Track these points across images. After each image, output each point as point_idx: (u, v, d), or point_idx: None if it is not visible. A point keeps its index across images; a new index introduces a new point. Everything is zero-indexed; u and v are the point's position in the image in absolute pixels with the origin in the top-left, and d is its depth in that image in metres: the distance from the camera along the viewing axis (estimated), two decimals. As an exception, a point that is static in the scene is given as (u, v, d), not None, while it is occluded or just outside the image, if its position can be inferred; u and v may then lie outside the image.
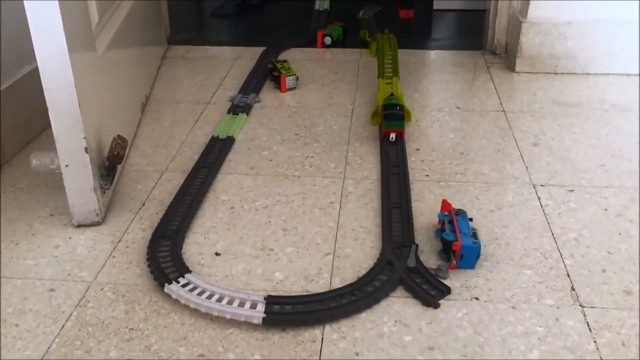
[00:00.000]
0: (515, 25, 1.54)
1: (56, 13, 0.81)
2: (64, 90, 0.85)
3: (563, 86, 1.44)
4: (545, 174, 1.09)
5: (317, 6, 2.12)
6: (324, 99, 1.42)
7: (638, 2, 1.44)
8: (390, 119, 1.18)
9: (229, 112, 1.33)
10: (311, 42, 1.75)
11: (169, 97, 1.43)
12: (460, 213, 0.91)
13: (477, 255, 0.85)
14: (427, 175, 1.09)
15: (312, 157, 1.17)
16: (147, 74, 1.45)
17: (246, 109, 1.35)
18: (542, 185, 1.05)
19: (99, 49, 1.02)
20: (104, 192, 0.97)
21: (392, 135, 1.17)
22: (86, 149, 0.90)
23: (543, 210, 0.98)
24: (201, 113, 1.35)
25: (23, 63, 1.18)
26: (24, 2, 0.81)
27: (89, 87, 0.93)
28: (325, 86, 1.48)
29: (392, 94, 1.31)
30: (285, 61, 1.52)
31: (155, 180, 1.09)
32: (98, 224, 0.96)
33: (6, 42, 1.14)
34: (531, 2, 1.48)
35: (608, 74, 1.49)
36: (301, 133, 1.26)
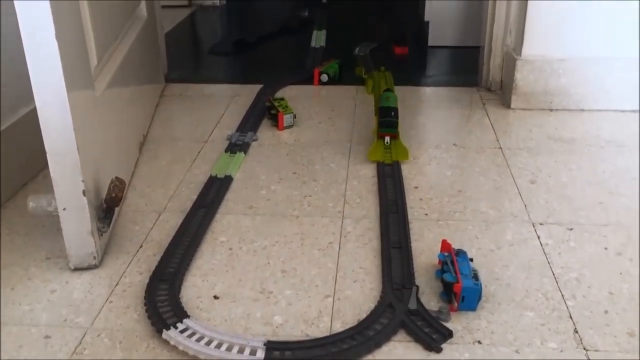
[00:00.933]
0: (510, 63, 1.56)
1: (56, 58, 0.81)
2: (62, 135, 0.85)
3: (558, 122, 1.46)
4: (543, 211, 1.09)
5: (313, 43, 2.15)
6: (322, 136, 1.42)
7: (629, 39, 1.46)
8: (385, 125, 1.31)
9: (226, 151, 1.34)
10: (308, 79, 1.77)
11: (166, 135, 1.44)
12: (461, 253, 0.91)
13: (479, 297, 0.84)
14: (426, 214, 1.09)
15: (311, 196, 1.16)
16: (145, 113, 1.46)
17: (244, 147, 1.35)
18: (541, 224, 1.05)
19: (97, 90, 1.02)
20: (102, 234, 0.96)
21: (387, 139, 1.31)
22: (84, 192, 0.89)
23: (543, 249, 0.98)
24: (199, 152, 1.35)
25: (21, 105, 1.18)
26: (24, 47, 0.82)
27: (88, 129, 0.93)
28: (323, 123, 1.49)
29: (388, 89, 1.42)
30: (282, 99, 1.53)
31: (153, 221, 1.08)
32: (95, 267, 0.95)
33: (4, 84, 1.14)
34: (525, 40, 1.50)
35: (602, 110, 1.50)
36: (299, 171, 1.26)
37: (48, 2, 0.80)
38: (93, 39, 1.02)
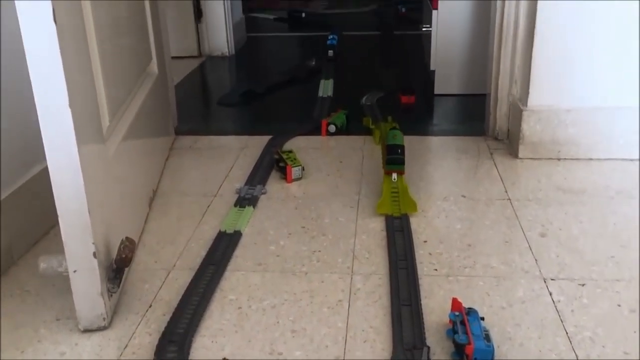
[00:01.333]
0: (516, 113, 1.57)
1: (69, 124, 0.83)
2: (74, 198, 0.86)
3: (567, 172, 1.46)
4: (555, 266, 1.08)
5: (320, 93, 2.18)
6: (330, 188, 1.43)
7: (636, 88, 1.47)
8: (392, 162, 1.37)
9: (235, 205, 1.34)
10: (316, 130, 1.79)
11: (176, 190, 1.45)
12: (472, 313, 0.90)
13: (491, 359, 0.83)
14: (436, 270, 1.09)
15: (320, 251, 1.16)
16: (155, 168, 1.48)
17: (253, 201, 1.36)
18: (552, 279, 1.04)
19: (109, 150, 1.04)
20: (111, 295, 0.97)
21: (394, 175, 1.36)
22: (95, 254, 0.90)
23: (555, 306, 0.97)
24: (208, 206, 1.36)
25: (35, 163, 1.20)
26: (38, 112, 0.84)
27: (99, 191, 0.94)
28: (331, 175, 1.50)
29: (394, 127, 1.54)
30: (290, 151, 1.54)
31: (162, 279, 1.08)
32: (104, 328, 0.95)
33: (19, 142, 1.16)
34: (531, 90, 1.51)
35: (610, 159, 1.50)
36: (308, 225, 1.26)
37: (62, 69, 0.82)
38: (105, 100, 1.04)
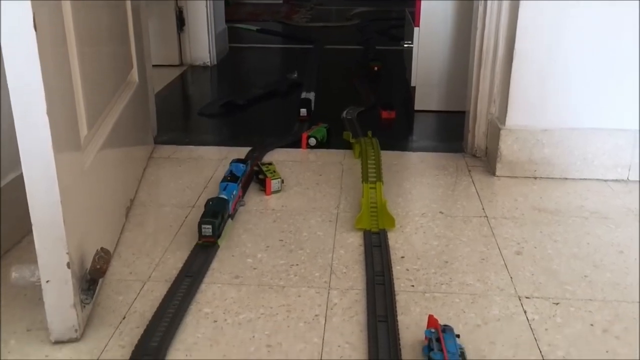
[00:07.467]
0: (494, 131, 1.59)
1: (46, 134, 0.82)
2: (49, 208, 0.85)
3: (542, 192, 1.48)
4: (529, 285, 1.09)
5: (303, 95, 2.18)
6: (309, 202, 1.43)
7: (610, 111, 1.50)
8: (373, 60, 2.59)
9: (213, 217, 1.33)
10: (296, 143, 1.79)
11: (153, 200, 1.43)
12: (447, 330, 0.90)
13: (465, 377, 0.85)
14: (413, 286, 1.09)
15: (297, 265, 1.16)
16: (133, 177, 1.46)
17: (231, 213, 1.35)
18: (527, 298, 1.05)
19: (86, 160, 1.03)
20: (84, 306, 0.95)
21: (376, 67, 2.51)
22: (68, 264, 0.88)
23: (529, 324, 0.98)
24: (186, 217, 1.34)
25: (9, 170, 1.18)
26: (15, 121, 0.82)
27: (75, 201, 0.93)
28: (310, 189, 1.50)
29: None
30: (270, 164, 1.54)
31: (137, 291, 1.07)
32: (76, 340, 0.93)
33: (-7, 149, 1.14)
34: (509, 110, 1.53)
35: (585, 179, 1.53)
36: (286, 239, 1.26)
37: (41, 76, 0.81)
38: (84, 109, 1.03)
